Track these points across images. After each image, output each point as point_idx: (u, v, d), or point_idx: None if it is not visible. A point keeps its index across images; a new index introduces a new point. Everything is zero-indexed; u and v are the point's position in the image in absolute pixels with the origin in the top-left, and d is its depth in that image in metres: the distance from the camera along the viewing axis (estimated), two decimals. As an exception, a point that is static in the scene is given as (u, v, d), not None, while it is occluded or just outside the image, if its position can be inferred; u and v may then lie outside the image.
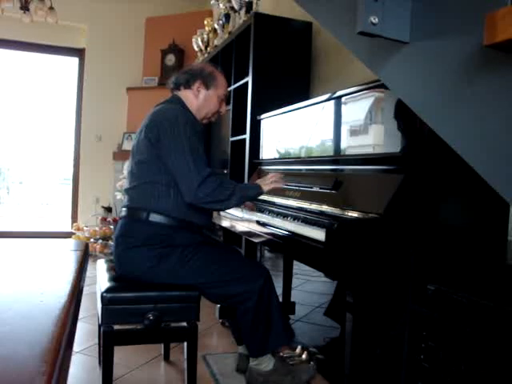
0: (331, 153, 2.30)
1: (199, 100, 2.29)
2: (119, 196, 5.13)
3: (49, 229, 7.05)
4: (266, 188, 2.19)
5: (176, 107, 2.20)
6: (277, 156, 2.95)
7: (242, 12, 3.76)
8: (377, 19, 1.07)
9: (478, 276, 1.28)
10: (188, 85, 2.28)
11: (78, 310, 0.79)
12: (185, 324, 2.03)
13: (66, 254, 1.05)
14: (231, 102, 3.74)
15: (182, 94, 2.30)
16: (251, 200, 2.25)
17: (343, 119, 2.21)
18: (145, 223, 2.07)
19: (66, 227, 6.25)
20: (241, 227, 2.63)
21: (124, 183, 4.97)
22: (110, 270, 2.20)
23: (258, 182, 2.26)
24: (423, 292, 1.42)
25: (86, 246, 1.19)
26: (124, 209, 2.17)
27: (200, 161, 2.05)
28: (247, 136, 3.40)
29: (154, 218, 2.07)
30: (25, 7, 4.85)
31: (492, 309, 1.18)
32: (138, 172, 2.13)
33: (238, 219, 2.63)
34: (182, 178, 2.03)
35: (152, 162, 2.08)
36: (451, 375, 1.33)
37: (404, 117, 1.78)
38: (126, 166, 5.27)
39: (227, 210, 2.50)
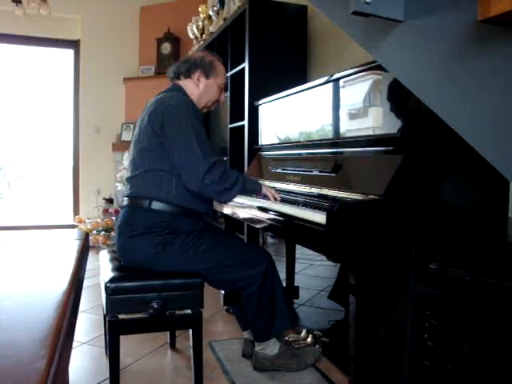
0: (330, 136, 2.29)
1: (200, 89, 2.29)
2: (120, 187, 5.13)
3: (51, 222, 7.06)
4: (264, 190, 2.22)
5: (179, 95, 2.20)
6: (276, 141, 2.95)
7: (237, -3, 3.72)
8: (370, -2, 1.06)
9: (479, 254, 1.28)
10: (188, 74, 2.29)
11: (79, 297, 0.80)
12: (189, 311, 2.04)
13: (66, 243, 1.06)
14: (229, 88, 3.72)
15: (183, 83, 2.30)
16: (246, 193, 2.27)
17: (341, 101, 2.20)
18: (147, 211, 2.07)
19: (68, 220, 6.26)
20: (242, 213, 2.64)
21: (124, 174, 4.98)
22: (112, 260, 2.21)
23: (261, 182, 2.28)
24: (425, 271, 1.42)
25: (87, 235, 1.19)
26: (126, 198, 2.17)
27: (205, 149, 2.07)
28: (245, 122, 3.39)
29: (156, 205, 2.07)
30: (17, 0, 4.80)
31: (494, 286, 1.19)
32: (141, 160, 2.13)
33: (239, 206, 2.63)
34: (188, 165, 2.03)
35: (155, 149, 2.09)
36: (455, 353, 1.34)
37: (402, 97, 1.77)
38: (126, 156, 5.27)
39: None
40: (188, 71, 2.29)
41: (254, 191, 2.23)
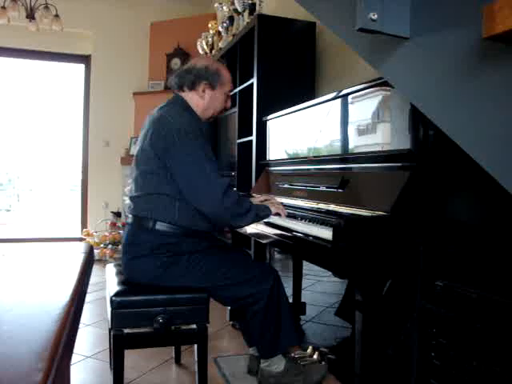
0: (337, 152, 2.29)
1: (205, 101, 2.20)
2: (128, 201, 5.13)
3: (59, 235, 7.09)
4: (274, 210, 2.18)
5: (181, 112, 2.11)
6: (283, 156, 2.95)
7: (246, 14, 3.77)
8: (376, 15, 1.07)
9: (486, 271, 1.26)
10: (193, 86, 2.18)
11: (81, 311, 0.80)
12: (195, 326, 2.03)
13: (70, 256, 1.06)
14: (237, 103, 3.74)
15: (187, 95, 2.20)
16: (259, 221, 2.21)
17: (349, 117, 2.20)
18: (151, 232, 2.04)
19: (76, 233, 6.28)
20: (249, 229, 2.63)
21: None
22: (119, 274, 2.20)
23: (266, 204, 2.24)
24: (432, 288, 1.41)
25: (91, 248, 1.19)
26: (130, 215, 2.14)
27: (216, 170, 2.01)
28: (254, 137, 3.40)
29: (161, 226, 2.04)
30: (30, 16, 4.89)
31: (502, 304, 1.17)
32: (143, 182, 2.09)
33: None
34: (203, 188, 1.97)
35: (158, 173, 2.03)
36: (463, 372, 1.32)
37: (410, 113, 1.77)
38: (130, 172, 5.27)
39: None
40: (192, 83, 2.18)
41: (267, 216, 2.17)
